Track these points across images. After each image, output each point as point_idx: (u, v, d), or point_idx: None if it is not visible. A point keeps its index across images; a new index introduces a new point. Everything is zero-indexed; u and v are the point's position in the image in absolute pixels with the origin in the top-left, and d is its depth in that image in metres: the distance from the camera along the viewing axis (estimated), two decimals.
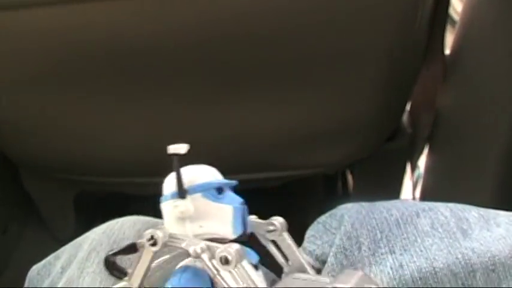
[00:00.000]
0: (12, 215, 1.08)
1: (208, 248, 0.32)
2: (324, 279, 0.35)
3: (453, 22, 0.95)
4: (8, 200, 1.06)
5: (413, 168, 1.06)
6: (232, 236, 0.34)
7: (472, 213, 0.49)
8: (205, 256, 0.32)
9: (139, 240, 0.34)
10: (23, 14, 0.69)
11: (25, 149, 0.91)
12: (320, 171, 0.98)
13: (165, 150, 0.81)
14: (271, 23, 0.72)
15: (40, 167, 0.97)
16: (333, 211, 0.55)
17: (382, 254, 0.47)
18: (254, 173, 0.90)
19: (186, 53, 0.74)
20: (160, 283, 0.35)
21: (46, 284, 0.54)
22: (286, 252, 0.38)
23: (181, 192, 0.34)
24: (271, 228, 0.38)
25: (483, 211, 0.50)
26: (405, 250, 0.46)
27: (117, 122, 0.85)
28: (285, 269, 0.38)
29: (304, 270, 0.38)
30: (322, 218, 0.55)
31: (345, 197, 1.17)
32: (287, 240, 0.38)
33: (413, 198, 1.09)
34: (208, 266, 0.32)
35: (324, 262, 0.48)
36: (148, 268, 0.34)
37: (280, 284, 0.35)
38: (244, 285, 0.31)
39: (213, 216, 0.34)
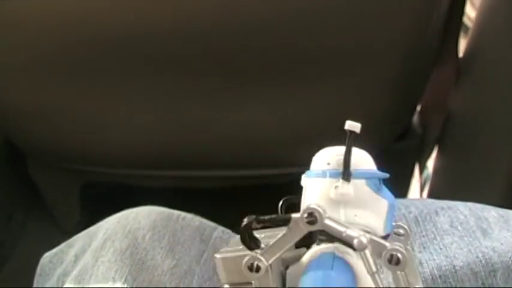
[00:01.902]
0: (17, 203, 1.08)
1: (373, 242, 0.29)
2: None
3: (466, 28, 0.95)
4: (13, 188, 1.06)
5: (422, 169, 1.06)
6: (382, 233, 0.31)
7: (492, 213, 0.49)
8: (367, 250, 0.29)
9: (293, 215, 0.30)
10: (23, 2, 0.69)
11: (31, 138, 0.91)
12: None
13: (170, 143, 0.80)
14: (280, 18, 0.72)
15: (46, 156, 0.97)
16: None
17: None
18: (260, 169, 0.90)
19: (191, 45, 0.74)
20: (278, 263, 0.32)
21: (59, 271, 0.54)
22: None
23: (348, 174, 0.31)
24: (401, 232, 0.35)
25: (502, 211, 0.50)
26: (424, 248, 0.46)
27: (123, 114, 0.84)
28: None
29: (417, 283, 0.33)
30: None
31: None
32: (408, 247, 0.33)
33: None
34: (368, 262, 0.29)
35: None
36: (290, 247, 0.30)
37: None
38: None
39: (369, 208, 0.31)
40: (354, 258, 0.30)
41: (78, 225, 0.58)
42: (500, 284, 0.43)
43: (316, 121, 0.84)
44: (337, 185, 0.31)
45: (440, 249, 0.45)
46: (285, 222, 0.30)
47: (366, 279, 0.30)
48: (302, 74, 0.78)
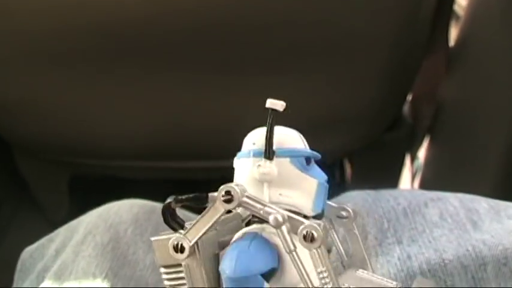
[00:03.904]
0: (5, 196, 1.07)
1: (290, 219, 0.29)
2: (389, 282, 0.32)
3: (457, 17, 0.95)
4: (1, 180, 1.05)
5: (413, 159, 1.05)
6: (311, 213, 0.31)
7: (482, 204, 0.48)
8: (284, 228, 0.29)
9: (211, 193, 0.30)
10: None
11: (17, 129, 0.90)
12: (319, 159, 0.97)
13: (160, 134, 0.79)
14: (272, 7, 0.71)
15: (33, 148, 0.96)
16: (337, 198, 0.53)
17: (389, 244, 0.46)
18: None
19: (184, 35, 0.73)
20: (210, 245, 0.32)
21: (39, 267, 0.53)
22: (351, 243, 0.35)
23: (270, 153, 0.30)
24: (345, 214, 0.35)
25: (493, 202, 0.49)
26: (413, 241, 0.45)
27: (111, 104, 0.84)
28: (344, 261, 0.36)
29: (364, 265, 0.35)
30: None
31: (343, 186, 1.16)
32: (355, 230, 0.35)
33: None
34: (285, 240, 0.29)
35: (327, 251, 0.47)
36: (211, 227, 0.30)
37: (345, 278, 0.32)
38: (324, 269, 0.29)
39: (295, 187, 0.31)
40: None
41: (66, 217, 0.58)
42: (491, 278, 0.42)
43: (307, 112, 0.84)
44: (259, 163, 0.30)
45: (430, 242, 0.44)
46: (203, 201, 0.30)
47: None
48: (292, 65, 0.78)
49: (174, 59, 0.76)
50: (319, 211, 0.31)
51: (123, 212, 0.53)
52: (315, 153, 0.32)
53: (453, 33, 0.91)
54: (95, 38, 0.73)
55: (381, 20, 0.73)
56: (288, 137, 0.32)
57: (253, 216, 0.31)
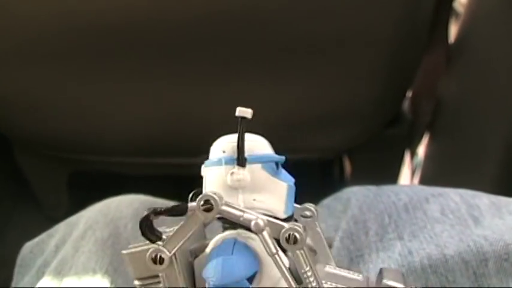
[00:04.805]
0: (5, 191, 1.07)
1: (270, 224, 0.30)
2: (355, 275, 0.34)
3: (457, 14, 0.95)
4: (0, 176, 1.05)
5: (413, 155, 1.05)
6: (283, 215, 0.32)
7: (483, 200, 0.48)
8: (265, 232, 0.30)
9: (190, 204, 0.31)
10: None
11: (17, 125, 0.90)
12: (318, 155, 0.97)
13: (161, 130, 0.79)
14: (271, 3, 0.70)
15: (33, 144, 0.96)
16: (338, 194, 0.53)
17: (390, 239, 0.45)
18: None
19: (184, 31, 0.73)
20: (184, 254, 0.32)
21: (39, 262, 0.53)
22: (314, 241, 0.36)
23: (242, 160, 0.31)
24: (308, 214, 0.36)
25: (494, 198, 0.49)
26: (414, 236, 0.45)
27: (112, 101, 0.83)
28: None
29: (329, 261, 0.36)
30: (326, 201, 0.54)
31: (341, 182, 1.16)
32: (317, 228, 0.36)
33: None
34: (267, 244, 0.30)
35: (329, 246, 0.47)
36: (190, 236, 0.31)
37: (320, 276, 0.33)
38: (307, 269, 0.30)
39: (268, 191, 0.32)
40: (256, 241, 0.31)
41: (66, 214, 0.58)
42: (492, 274, 0.42)
43: (306, 108, 0.84)
44: (233, 171, 0.31)
45: (431, 238, 0.44)
46: (183, 211, 0.31)
47: (269, 261, 0.31)
48: (291, 61, 0.78)
49: (175, 55, 0.76)
50: (290, 213, 0.33)
51: (124, 207, 0.53)
52: (282, 157, 0.33)
53: (453, 30, 0.91)
54: (95, 34, 0.73)
55: (381, 16, 0.73)
56: (257, 144, 0.33)
57: (224, 222, 0.32)
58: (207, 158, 0.33)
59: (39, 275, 0.51)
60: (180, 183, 0.92)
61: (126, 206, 0.53)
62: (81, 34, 0.73)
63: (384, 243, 0.45)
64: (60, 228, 0.55)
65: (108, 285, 0.46)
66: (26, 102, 0.84)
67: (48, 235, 0.56)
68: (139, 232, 0.50)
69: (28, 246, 0.57)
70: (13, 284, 0.55)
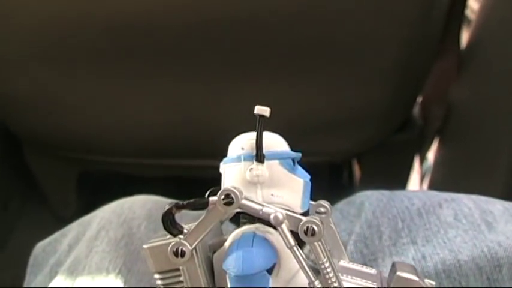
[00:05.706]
0: (13, 191, 1.07)
1: (289, 217, 0.31)
2: (368, 269, 0.34)
3: (468, 21, 0.95)
4: (9, 176, 1.06)
5: (422, 160, 1.05)
6: (300, 210, 0.33)
7: (497, 206, 0.48)
8: (284, 225, 0.31)
9: (211, 198, 0.32)
10: None
11: (27, 124, 0.90)
12: (328, 159, 0.97)
13: (169, 132, 0.79)
14: (279, 8, 0.71)
15: (42, 144, 0.96)
16: (351, 198, 0.53)
17: (403, 244, 0.45)
18: None
19: (195, 33, 0.73)
20: (204, 248, 0.34)
21: (52, 261, 0.53)
22: (329, 236, 0.37)
23: (261, 156, 0.32)
24: (322, 210, 0.37)
25: (508, 204, 0.49)
26: (428, 241, 0.45)
27: (120, 102, 0.84)
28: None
29: (342, 256, 0.37)
30: (339, 205, 0.54)
31: (350, 187, 1.16)
32: (331, 224, 0.37)
33: None
34: (286, 236, 0.31)
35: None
36: (210, 230, 0.32)
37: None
38: (325, 260, 0.31)
39: (285, 187, 0.33)
40: (274, 235, 0.32)
41: (74, 214, 0.58)
42: (506, 279, 0.42)
43: (316, 112, 0.84)
44: (251, 167, 0.32)
45: (444, 242, 0.44)
46: (204, 205, 0.32)
47: (287, 254, 0.32)
48: (302, 65, 0.78)
49: (186, 58, 0.76)
50: (306, 208, 0.34)
51: (137, 207, 0.53)
52: (299, 154, 0.34)
53: (464, 37, 0.91)
54: (103, 35, 0.73)
55: (392, 21, 0.73)
56: (274, 141, 0.34)
57: (242, 217, 0.33)
58: (221, 159, 0.34)
59: (52, 275, 0.51)
60: (189, 184, 0.92)
61: (139, 207, 0.53)
62: (93, 36, 0.74)
63: (397, 247, 0.45)
64: (73, 227, 0.55)
65: (122, 286, 0.46)
66: (37, 102, 0.85)
67: (61, 234, 0.56)
68: (152, 232, 0.50)
69: (41, 245, 0.57)
70: (25, 283, 0.55)
